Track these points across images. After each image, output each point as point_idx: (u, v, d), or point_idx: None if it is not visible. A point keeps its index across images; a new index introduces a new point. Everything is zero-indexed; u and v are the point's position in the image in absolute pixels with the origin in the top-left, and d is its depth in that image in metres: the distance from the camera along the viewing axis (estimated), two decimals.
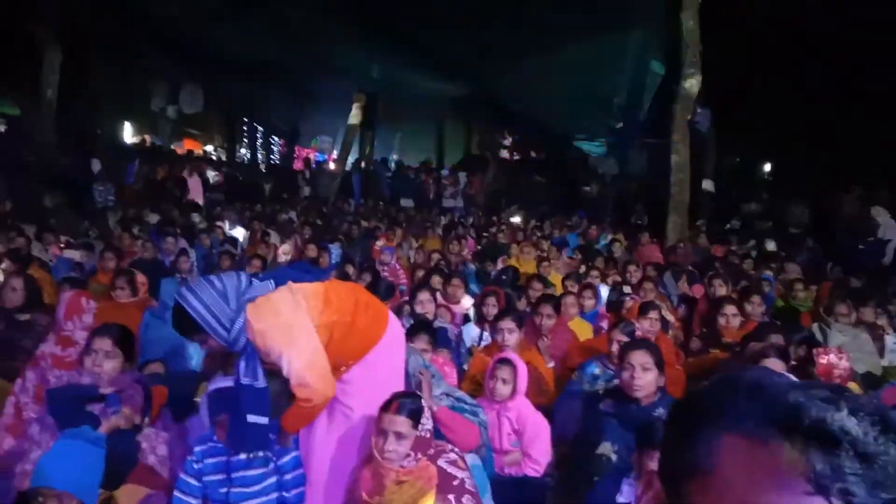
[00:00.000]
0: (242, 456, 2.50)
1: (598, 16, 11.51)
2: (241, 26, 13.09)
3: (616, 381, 3.20)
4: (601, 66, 13.18)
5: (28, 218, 8.79)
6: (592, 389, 3.58)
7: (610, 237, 10.17)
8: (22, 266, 5.43)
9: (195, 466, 2.53)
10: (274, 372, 2.45)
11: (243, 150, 22.79)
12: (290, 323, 2.42)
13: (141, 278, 4.91)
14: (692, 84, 9.69)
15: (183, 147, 20.11)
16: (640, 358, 2.86)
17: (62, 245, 7.32)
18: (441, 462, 2.42)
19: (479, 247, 9.35)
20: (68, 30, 12.12)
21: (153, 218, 9.97)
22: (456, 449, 2.57)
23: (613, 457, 2.73)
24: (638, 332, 3.82)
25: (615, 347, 3.59)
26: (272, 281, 2.55)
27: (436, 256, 7.38)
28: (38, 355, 3.47)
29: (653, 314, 4.40)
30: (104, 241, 7.63)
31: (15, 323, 4.02)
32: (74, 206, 10.39)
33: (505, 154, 21.45)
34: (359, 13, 12.11)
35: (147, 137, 19.35)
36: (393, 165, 18.44)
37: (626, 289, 5.91)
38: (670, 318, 5.32)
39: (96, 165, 12.16)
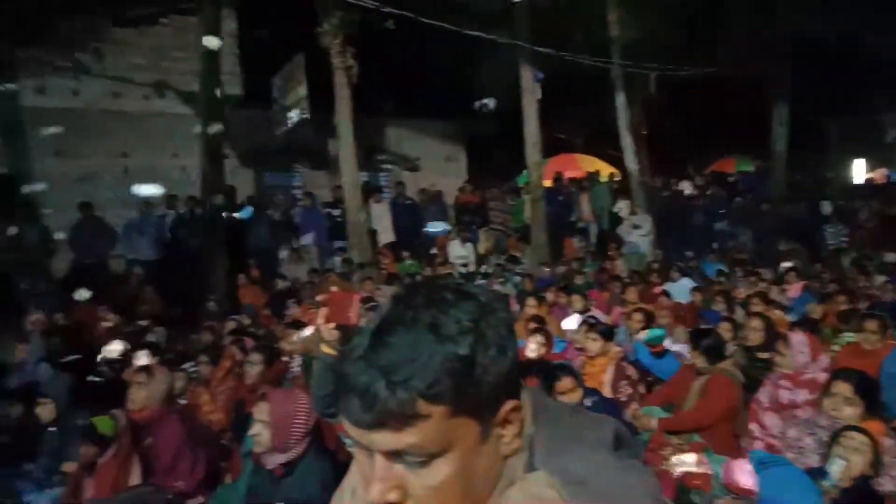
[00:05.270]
0: None
1: None
2: None
3: None
4: None
5: (765, 262, 9.62)
6: None
7: None
8: (765, 305, 5.95)
9: None
10: None
11: None
12: None
13: (871, 325, 4.60)
14: None
15: None
16: None
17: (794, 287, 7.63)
18: None
19: None
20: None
21: (891, 257, 9.23)
22: None
23: None
24: None
25: None
26: None
27: None
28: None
29: None
30: (837, 282, 7.55)
31: (755, 360, 4.51)
32: (807, 248, 10.68)
33: None
34: None
35: (881, 172, 17.97)
36: None
37: None
38: None
39: (826, 208, 12.22)
